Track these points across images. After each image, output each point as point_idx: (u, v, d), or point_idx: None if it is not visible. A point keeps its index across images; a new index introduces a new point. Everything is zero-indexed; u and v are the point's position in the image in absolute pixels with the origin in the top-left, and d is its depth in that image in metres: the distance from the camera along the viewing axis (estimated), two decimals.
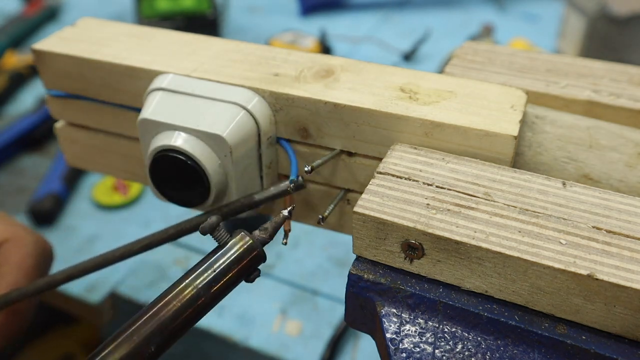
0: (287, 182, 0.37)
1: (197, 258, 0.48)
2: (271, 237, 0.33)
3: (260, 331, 0.67)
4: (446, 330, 0.30)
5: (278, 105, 0.38)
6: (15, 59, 1.11)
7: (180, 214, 0.38)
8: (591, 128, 0.37)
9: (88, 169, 0.50)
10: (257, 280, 0.33)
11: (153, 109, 0.38)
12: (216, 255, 0.32)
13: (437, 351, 0.30)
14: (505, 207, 0.31)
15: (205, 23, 1.13)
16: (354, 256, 0.33)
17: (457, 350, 0.30)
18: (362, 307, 0.33)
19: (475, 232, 0.30)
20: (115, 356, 0.29)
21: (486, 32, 1.12)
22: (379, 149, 0.37)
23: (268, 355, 0.65)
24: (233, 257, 0.32)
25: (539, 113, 0.38)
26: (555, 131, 0.37)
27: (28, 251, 0.44)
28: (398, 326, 0.31)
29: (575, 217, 0.30)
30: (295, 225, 0.40)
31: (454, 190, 0.32)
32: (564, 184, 0.32)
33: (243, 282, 0.33)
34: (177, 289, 0.31)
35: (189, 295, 0.31)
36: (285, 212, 0.34)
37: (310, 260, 0.75)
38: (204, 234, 0.32)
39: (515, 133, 0.33)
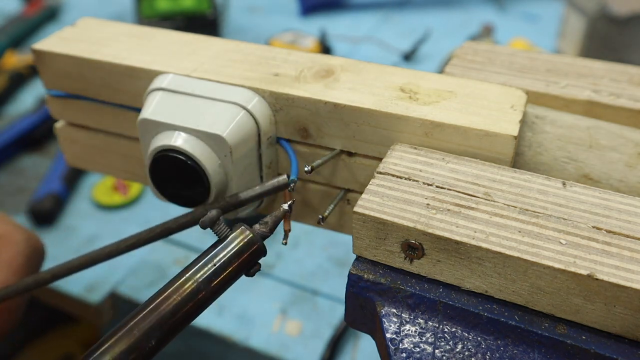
0: (274, 181, 0.37)
1: None
2: (271, 231, 0.33)
3: (260, 331, 0.67)
4: (446, 330, 0.30)
5: (278, 105, 0.38)
6: (15, 59, 1.11)
7: (180, 213, 0.38)
8: (591, 128, 0.37)
9: (88, 169, 0.50)
10: (257, 280, 0.33)
11: (153, 109, 0.38)
12: (216, 249, 0.32)
13: (437, 351, 0.30)
14: (505, 207, 0.31)
15: (205, 23, 1.13)
16: (354, 256, 0.33)
17: (457, 350, 0.30)
18: (362, 307, 0.33)
19: (475, 232, 0.30)
20: (115, 350, 0.29)
21: (486, 32, 1.12)
22: (379, 149, 0.37)
23: (268, 355, 0.65)
24: (233, 251, 0.32)
25: (539, 113, 0.38)
26: (555, 131, 0.37)
27: (19, 249, 0.44)
28: (398, 326, 0.31)
29: (575, 217, 0.30)
30: (295, 225, 0.40)
31: (454, 190, 0.32)
32: (564, 184, 0.32)
33: (244, 280, 0.33)
34: (177, 283, 0.31)
35: (189, 289, 0.31)
36: (285, 206, 0.34)
37: (310, 260, 0.75)
38: (204, 227, 0.32)
39: (515, 133, 0.33)
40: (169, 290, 0.31)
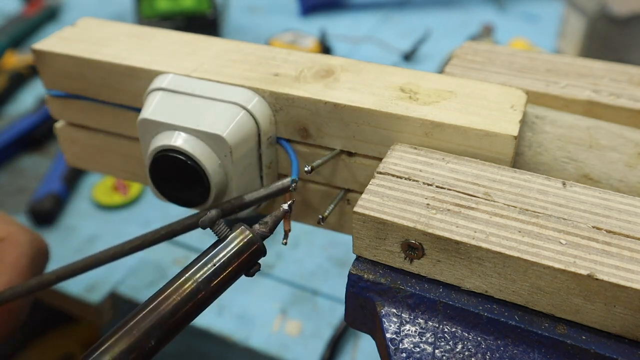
0: (278, 183, 0.37)
1: None
2: (271, 231, 0.33)
3: (260, 331, 0.67)
4: (446, 330, 0.30)
5: (278, 105, 0.38)
6: (15, 59, 1.11)
7: (180, 214, 0.38)
8: (591, 128, 0.37)
9: (88, 169, 0.50)
10: (257, 280, 0.33)
11: (153, 109, 0.38)
12: (216, 249, 0.32)
13: (437, 351, 0.30)
14: (505, 207, 0.31)
15: (205, 23, 1.13)
16: (354, 256, 0.33)
17: (457, 350, 0.30)
18: (362, 307, 0.33)
19: (475, 232, 0.30)
20: (115, 350, 0.29)
21: (486, 32, 1.12)
22: (379, 149, 0.37)
23: (268, 355, 0.65)
24: (233, 251, 0.32)
25: (539, 113, 0.38)
26: (555, 131, 0.37)
27: (23, 250, 0.44)
28: (398, 326, 0.31)
29: (575, 217, 0.30)
30: (295, 225, 0.40)
31: (454, 190, 0.32)
32: (564, 184, 0.32)
33: (244, 280, 0.33)
34: (177, 283, 0.31)
35: (189, 289, 0.31)
36: (285, 206, 0.34)
37: (310, 260, 0.75)
38: (203, 227, 0.32)
39: (515, 133, 0.33)
40: (169, 290, 0.31)
